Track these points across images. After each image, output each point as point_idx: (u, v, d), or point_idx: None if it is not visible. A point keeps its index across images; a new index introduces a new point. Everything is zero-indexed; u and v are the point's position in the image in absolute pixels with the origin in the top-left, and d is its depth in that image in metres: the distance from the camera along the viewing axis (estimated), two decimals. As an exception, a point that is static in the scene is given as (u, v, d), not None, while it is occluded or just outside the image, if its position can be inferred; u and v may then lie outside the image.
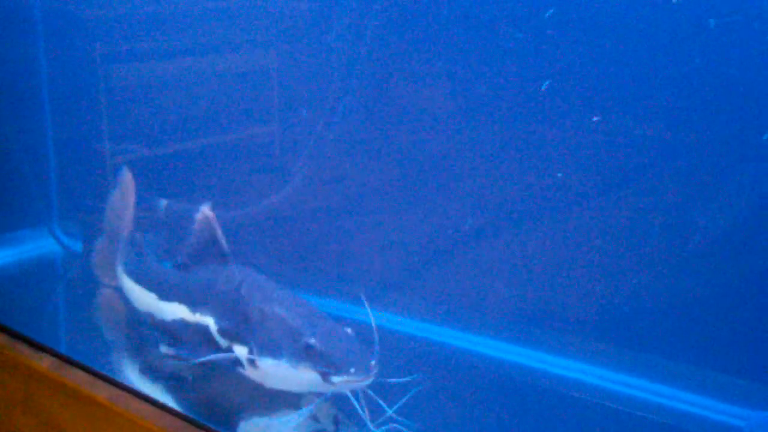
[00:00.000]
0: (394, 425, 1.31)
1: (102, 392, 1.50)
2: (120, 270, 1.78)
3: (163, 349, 1.49)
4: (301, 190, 1.99)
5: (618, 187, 1.58)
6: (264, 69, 2.07)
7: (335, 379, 1.28)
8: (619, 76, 1.52)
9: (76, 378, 1.56)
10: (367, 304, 1.38)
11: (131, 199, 1.81)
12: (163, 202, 1.83)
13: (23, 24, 2.32)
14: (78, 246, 2.30)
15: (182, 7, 2.11)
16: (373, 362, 1.28)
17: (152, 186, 2.14)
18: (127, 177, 1.82)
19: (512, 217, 1.72)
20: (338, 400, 1.34)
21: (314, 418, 1.36)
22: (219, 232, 1.53)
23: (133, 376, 1.56)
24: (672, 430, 1.47)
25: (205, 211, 1.52)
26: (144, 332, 1.67)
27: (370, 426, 1.29)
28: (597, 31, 1.52)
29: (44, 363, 1.63)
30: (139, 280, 1.69)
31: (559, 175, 1.62)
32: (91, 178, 2.31)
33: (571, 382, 1.63)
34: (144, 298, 1.65)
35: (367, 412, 1.29)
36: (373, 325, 1.34)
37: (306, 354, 1.30)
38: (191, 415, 1.38)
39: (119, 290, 1.80)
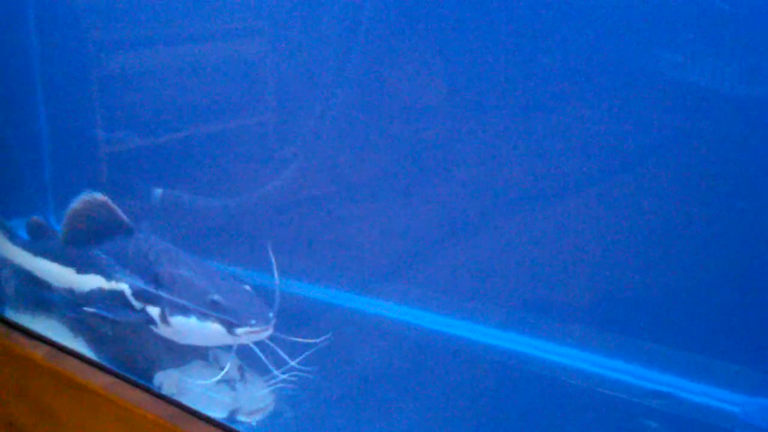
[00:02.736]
0: (296, 372, 1.46)
1: (97, 380, 1.50)
2: (25, 251, 1.88)
3: (86, 308, 1.61)
4: (296, 179, 1.99)
5: (616, 176, 1.57)
6: (260, 58, 2.06)
7: (239, 330, 1.41)
8: (615, 70, 1.52)
9: (72, 367, 1.57)
10: (276, 272, 1.48)
11: None
12: (159, 191, 1.84)
13: (16, 12, 2.31)
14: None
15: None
16: (271, 314, 1.42)
17: (147, 175, 2.14)
18: None
19: (505, 208, 1.73)
20: (242, 353, 1.47)
21: (220, 368, 1.47)
22: (117, 210, 1.67)
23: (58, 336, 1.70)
24: (668, 417, 1.47)
25: (96, 196, 1.66)
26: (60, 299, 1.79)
27: (274, 371, 1.44)
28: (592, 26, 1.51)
29: (40, 352, 1.63)
30: (54, 259, 1.78)
31: (556, 166, 1.62)
32: (86, 167, 2.31)
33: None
34: (62, 274, 1.75)
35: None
36: (276, 285, 1.46)
37: (211, 309, 1.43)
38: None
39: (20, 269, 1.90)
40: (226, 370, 1.45)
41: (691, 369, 1.52)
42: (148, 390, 1.45)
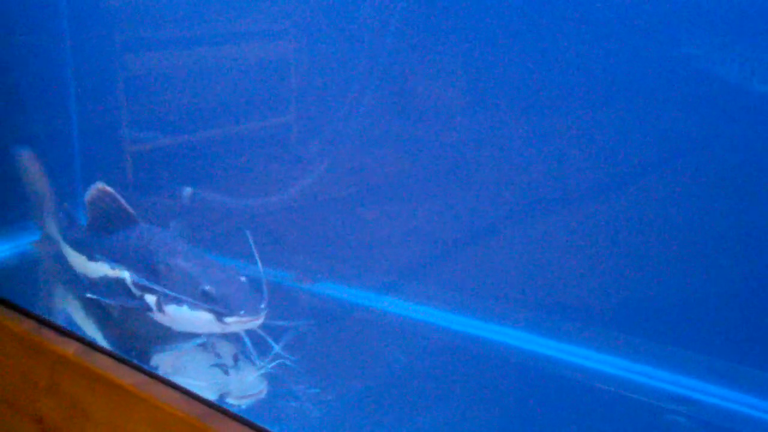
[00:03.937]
0: (281, 360, 1.54)
1: (127, 378, 1.51)
2: (59, 237, 1.99)
3: (89, 294, 1.74)
4: (320, 181, 1.99)
5: (630, 180, 1.57)
6: (285, 59, 2.07)
7: (227, 319, 1.49)
8: (629, 73, 1.52)
9: (102, 363, 1.58)
10: (259, 262, 1.57)
11: (37, 172, 2.07)
12: (188, 190, 1.86)
13: (49, 13, 2.33)
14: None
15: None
16: (262, 306, 1.49)
17: (175, 174, 2.16)
18: (26, 156, 2.08)
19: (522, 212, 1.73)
20: (236, 341, 1.57)
21: (216, 354, 1.59)
22: (122, 201, 1.76)
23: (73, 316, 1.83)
24: (699, 423, 1.46)
25: (102, 186, 1.76)
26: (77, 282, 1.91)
27: (257, 361, 1.53)
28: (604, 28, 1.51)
29: (70, 348, 1.65)
30: (73, 245, 1.91)
31: (572, 170, 1.62)
32: (115, 164, 2.33)
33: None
34: (77, 260, 1.88)
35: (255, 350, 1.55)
36: (263, 276, 1.53)
37: (202, 299, 1.51)
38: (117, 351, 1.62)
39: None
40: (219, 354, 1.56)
41: (722, 375, 1.51)
42: (179, 389, 1.46)
